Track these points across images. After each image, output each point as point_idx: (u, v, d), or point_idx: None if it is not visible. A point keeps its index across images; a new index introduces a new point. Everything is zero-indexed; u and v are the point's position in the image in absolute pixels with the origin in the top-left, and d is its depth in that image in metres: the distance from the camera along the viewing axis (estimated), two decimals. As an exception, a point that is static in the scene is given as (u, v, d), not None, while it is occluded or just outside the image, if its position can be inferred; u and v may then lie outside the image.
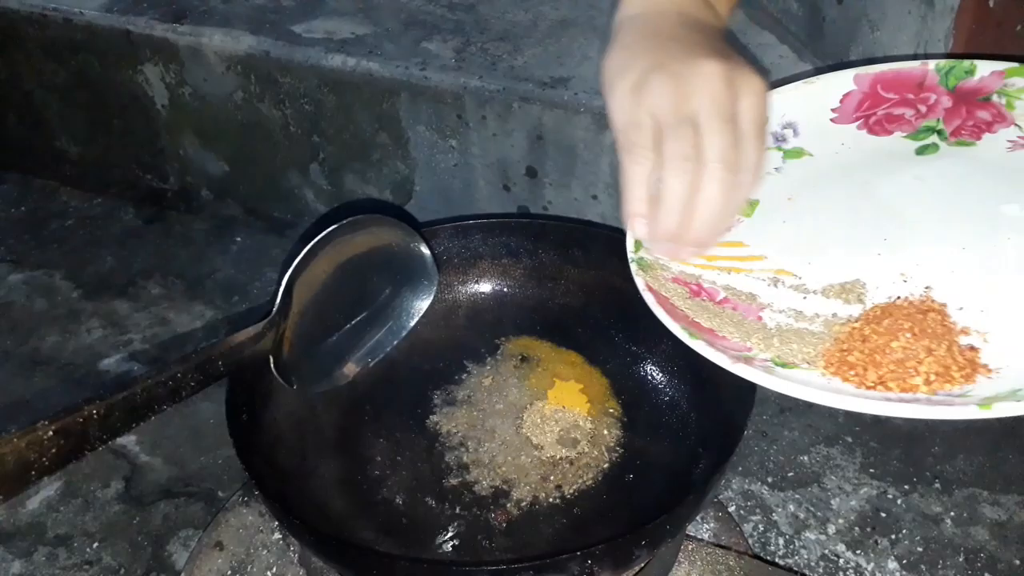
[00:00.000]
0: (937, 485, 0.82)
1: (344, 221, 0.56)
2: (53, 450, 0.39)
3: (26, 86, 1.22)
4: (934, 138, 0.61)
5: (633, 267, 0.53)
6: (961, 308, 0.49)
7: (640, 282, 0.51)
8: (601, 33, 0.99)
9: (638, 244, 0.54)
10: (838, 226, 0.56)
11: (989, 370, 0.45)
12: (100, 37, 1.11)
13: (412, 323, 0.63)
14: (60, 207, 1.25)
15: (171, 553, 0.80)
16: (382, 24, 1.05)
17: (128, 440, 0.91)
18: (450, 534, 0.58)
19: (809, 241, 0.56)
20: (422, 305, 0.63)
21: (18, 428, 0.39)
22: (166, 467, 0.88)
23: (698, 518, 0.75)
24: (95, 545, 0.81)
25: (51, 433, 0.39)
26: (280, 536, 0.73)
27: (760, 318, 0.51)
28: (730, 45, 0.56)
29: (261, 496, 0.56)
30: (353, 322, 0.60)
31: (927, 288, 0.51)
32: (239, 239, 1.17)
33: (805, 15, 0.94)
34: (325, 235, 0.55)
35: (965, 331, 0.47)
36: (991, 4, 0.73)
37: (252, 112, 1.07)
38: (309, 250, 0.54)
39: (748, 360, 0.46)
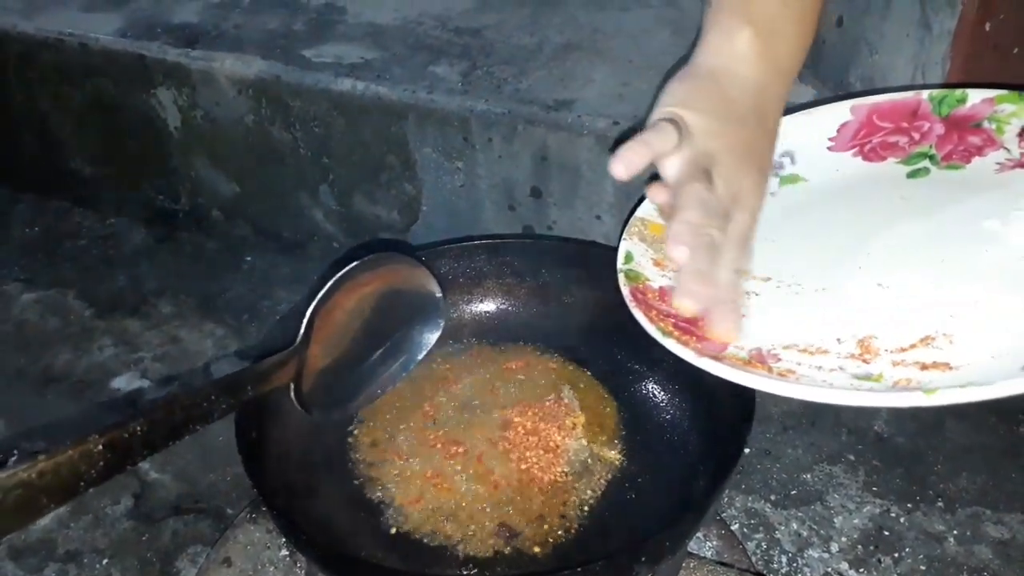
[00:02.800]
0: (940, 503, 0.83)
1: (363, 259, 0.60)
2: (101, 462, 0.41)
3: (42, 108, 1.24)
4: (926, 163, 0.63)
5: (620, 277, 0.56)
6: (932, 311, 0.50)
7: (625, 290, 0.55)
8: (605, 57, 1.01)
9: (628, 256, 0.58)
10: (823, 241, 0.58)
11: (949, 367, 0.46)
12: (115, 61, 1.13)
13: (421, 356, 0.66)
14: (73, 227, 1.27)
15: (179, 570, 0.81)
16: (390, 49, 1.07)
17: (138, 457, 0.92)
18: (452, 550, 0.59)
19: (793, 256, 0.58)
20: (431, 339, 0.66)
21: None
22: (175, 484, 0.89)
23: (701, 536, 0.75)
24: (104, 561, 0.82)
25: (101, 446, 0.41)
26: (287, 553, 0.74)
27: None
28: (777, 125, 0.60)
29: (269, 512, 0.57)
30: (367, 354, 0.63)
31: (900, 294, 0.52)
32: (249, 259, 1.19)
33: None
34: (346, 272, 0.58)
35: (929, 339, 0.49)
36: (987, 28, 0.75)
37: (263, 135, 1.09)
38: (331, 286, 0.57)
39: (718, 358, 0.49)
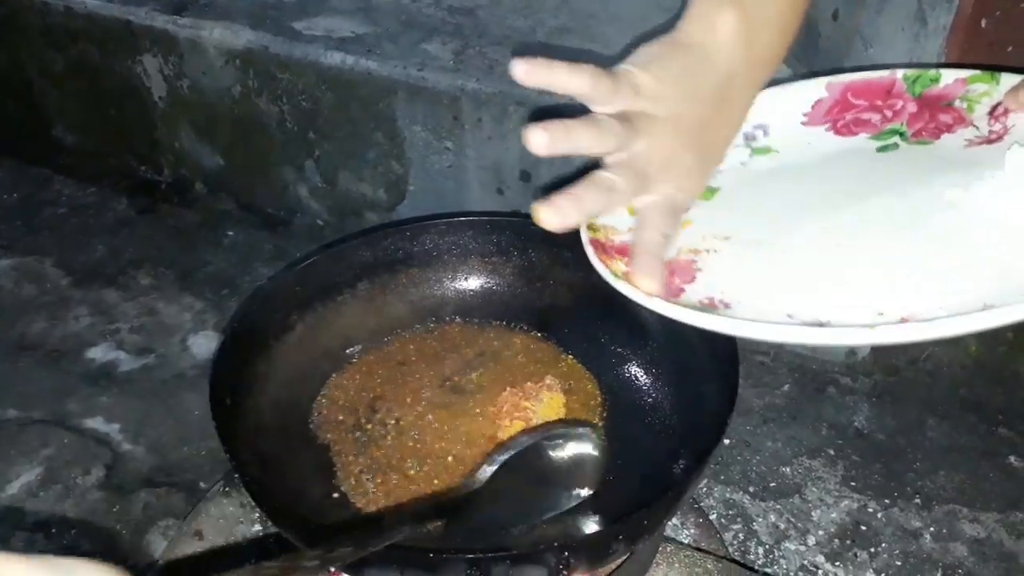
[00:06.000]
0: (917, 500, 0.83)
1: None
2: None
3: (25, 74, 1.22)
4: (896, 139, 0.63)
5: (582, 226, 0.56)
6: (888, 269, 0.51)
7: (585, 237, 0.55)
8: (599, 42, 1.00)
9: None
10: (787, 206, 0.58)
11: (903, 320, 0.46)
12: (100, 26, 1.11)
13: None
14: (53, 195, 1.25)
15: (150, 542, 0.80)
16: (382, 24, 1.05)
17: (111, 428, 0.91)
18: (429, 525, 0.58)
19: (757, 218, 0.58)
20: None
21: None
22: (148, 456, 0.88)
23: (679, 523, 0.75)
24: (73, 532, 0.81)
25: None
26: (260, 527, 0.73)
27: (694, 278, 0.54)
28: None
29: (241, 479, 0.56)
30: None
31: (858, 253, 0.53)
32: (231, 233, 1.17)
33: (800, 30, 0.95)
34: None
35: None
36: (983, 24, 0.74)
37: (249, 107, 1.08)
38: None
39: (666, 300, 0.49)
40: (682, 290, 0.52)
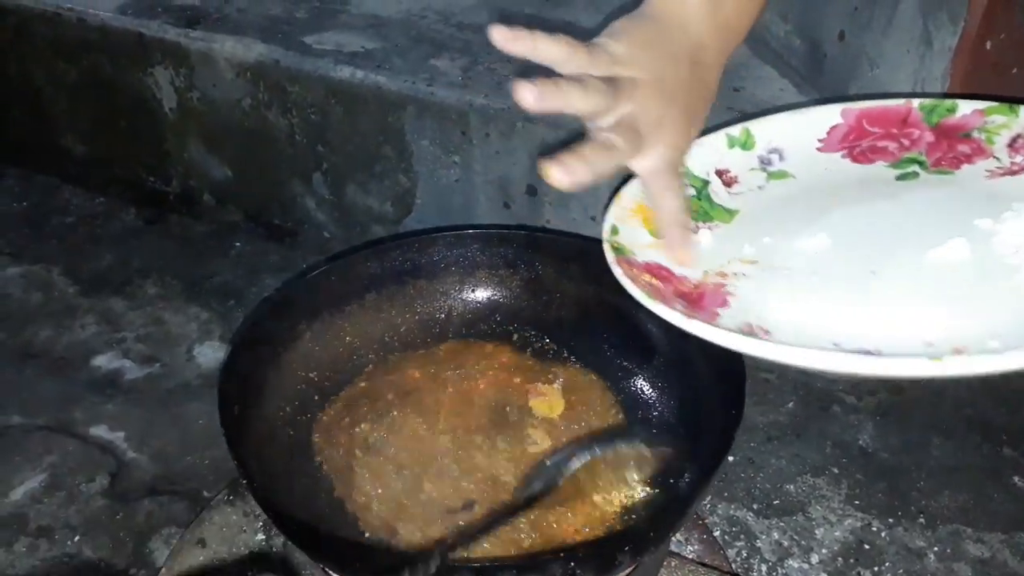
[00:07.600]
0: (922, 520, 0.82)
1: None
2: None
3: (35, 83, 1.23)
4: (915, 167, 0.63)
5: (607, 247, 0.56)
6: (928, 300, 0.50)
7: (611, 256, 0.55)
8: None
9: (614, 229, 0.58)
10: (813, 232, 0.58)
11: (958, 350, 0.45)
12: (112, 38, 1.12)
13: None
14: (62, 204, 1.26)
15: (152, 550, 0.80)
16: (392, 40, 1.06)
17: (116, 436, 0.91)
18: (435, 535, 0.59)
19: (782, 243, 0.58)
20: None
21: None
22: (152, 465, 0.88)
23: (683, 540, 0.75)
24: (76, 539, 0.81)
25: None
26: (263, 536, 0.73)
27: (726, 302, 0.53)
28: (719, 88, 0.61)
29: (248, 488, 0.56)
30: None
31: (894, 283, 0.52)
32: (239, 244, 1.18)
33: (806, 51, 0.96)
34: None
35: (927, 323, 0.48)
36: (988, 47, 0.75)
37: (259, 119, 1.09)
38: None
39: (708, 324, 0.48)
40: (717, 314, 0.52)
